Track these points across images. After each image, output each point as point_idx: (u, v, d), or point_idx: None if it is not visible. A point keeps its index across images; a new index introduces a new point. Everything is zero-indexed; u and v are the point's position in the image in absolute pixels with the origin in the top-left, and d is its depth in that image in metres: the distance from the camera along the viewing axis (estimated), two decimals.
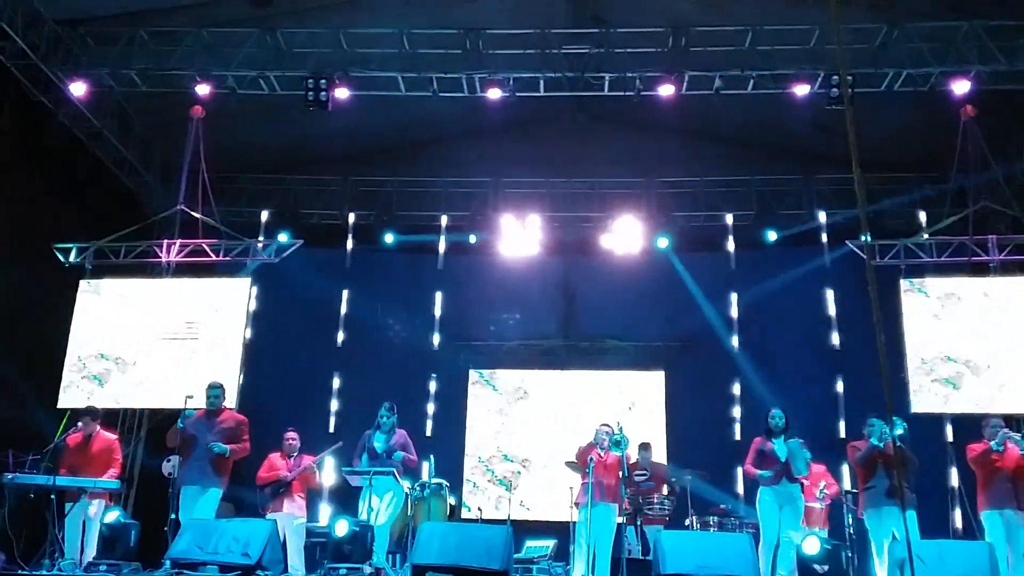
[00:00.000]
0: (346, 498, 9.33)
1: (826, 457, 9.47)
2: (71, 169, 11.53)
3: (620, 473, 8.12)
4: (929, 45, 10.29)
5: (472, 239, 13.51)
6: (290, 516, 8.55)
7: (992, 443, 7.64)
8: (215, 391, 8.19)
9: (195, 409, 8.09)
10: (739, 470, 12.24)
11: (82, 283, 11.63)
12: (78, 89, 10.68)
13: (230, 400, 10.61)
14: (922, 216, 12.82)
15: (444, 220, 13.95)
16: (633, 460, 9.62)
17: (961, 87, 10.29)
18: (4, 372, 9.81)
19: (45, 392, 10.86)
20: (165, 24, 10.85)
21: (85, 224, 11.74)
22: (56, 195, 11.17)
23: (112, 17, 10.74)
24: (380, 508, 8.06)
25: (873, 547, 7.64)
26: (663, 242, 13.23)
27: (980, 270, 11.33)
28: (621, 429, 8.29)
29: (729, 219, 13.67)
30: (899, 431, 7.29)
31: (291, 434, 8.95)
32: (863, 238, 10.77)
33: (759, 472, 7.98)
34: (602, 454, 8.24)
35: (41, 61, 10.37)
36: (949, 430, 11.55)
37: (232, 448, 7.95)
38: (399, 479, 8.19)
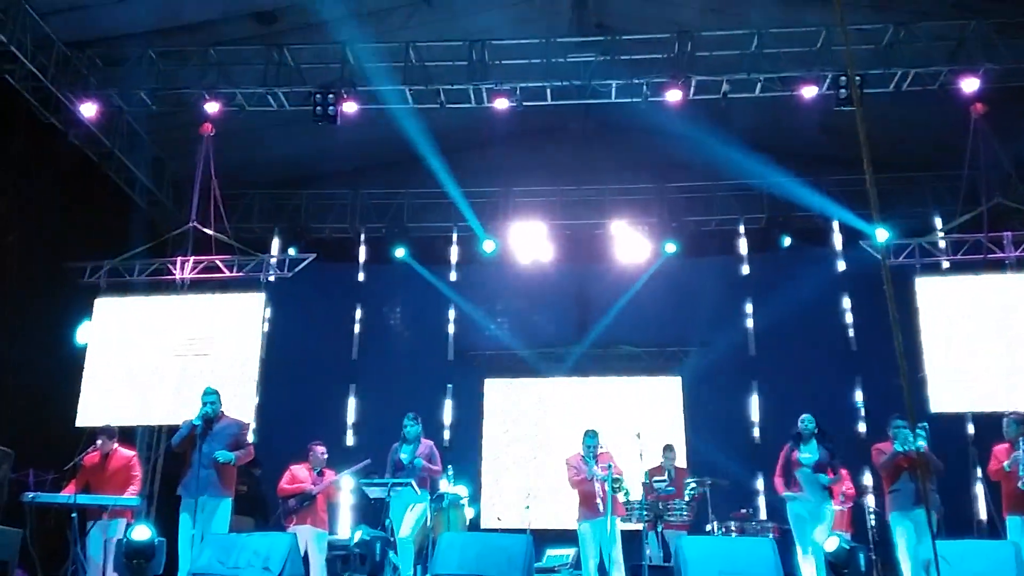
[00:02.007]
0: (371, 512, 9.29)
1: (845, 460, 9.41)
2: (83, 189, 11.58)
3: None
4: (937, 44, 10.29)
5: (490, 246, 13.37)
6: (313, 529, 8.53)
7: (1005, 464, 7.67)
8: (212, 397, 7.64)
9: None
10: (759, 475, 12.23)
11: (97, 301, 11.70)
12: (88, 110, 10.75)
13: (248, 415, 10.67)
14: (936, 215, 12.77)
15: (455, 231, 13.98)
16: (655, 465, 9.61)
17: (970, 85, 10.26)
18: (22, 392, 9.86)
19: (63, 411, 10.91)
20: (173, 43, 10.93)
21: (99, 243, 11.82)
22: (69, 215, 11.23)
23: (120, 38, 10.82)
24: (404, 520, 8.03)
25: (898, 549, 7.60)
26: (670, 247, 13.21)
27: (996, 267, 11.26)
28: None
29: (741, 223, 13.66)
30: (922, 443, 7.30)
31: (320, 447, 8.94)
32: (877, 236, 10.73)
33: (786, 494, 7.99)
34: (596, 470, 8.23)
35: (51, 83, 10.46)
36: (970, 428, 11.47)
37: (237, 455, 7.54)
38: (416, 490, 8.10)
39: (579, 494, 8.48)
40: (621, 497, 8.33)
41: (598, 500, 8.14)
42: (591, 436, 8.54)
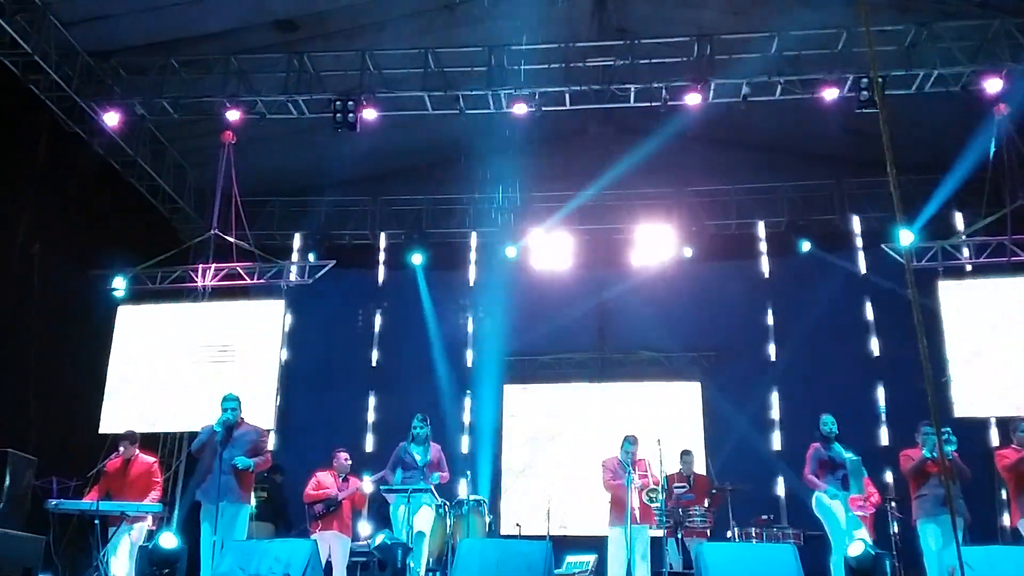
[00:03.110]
0: (382, 512, 9.31)
1: (868, 465, 9.32)
2: (106, 198, 11.71)
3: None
4: (959, 44, 10.17)
5: (511, 252, 13.33)
6: (337, 535, 8.56)
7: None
8: (232, 403, 7.63)
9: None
10: (779, 480, 12.14)
11: (120, 309, 11.80)
12: (111, 119, 10.85)
13: (269, 421, 10.73)
14: (958, 217, 12.63)
15: (474, 237, 13.99)
16: (674, 471, 9.57)
17: (993, 85, 10.14)
18: (46, 399, 9.96)
19: (86, 418, 11.00)
20: (195, 52, 11.02)
21: (121, 251, 11.92)
22: (92, 224, 11.35)
23: (143, 47, 10.93)
24: (417, 521, 8.05)
25: (926, 555, 7.54)
26: (687, 252, 13.14)
27: (1019, 270, 11.13)
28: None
29: (761, 226, 13.59)
30: (950, 448, 7.26)
31: (343, 454, 8.99)
32: (901, 239, 10.63)
33: (827, 488, 7.91)
34: (634, 478, 8.21)
35: (75, 93, 10.57)
36: (994, 434, 11.33)
37: (256, 461, 7.58)
38: (435, 494, 8.16)
39: (612, 499, 8.45)
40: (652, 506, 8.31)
41: (634, 508, 8.12)
42: (630, 442, 8.51)
